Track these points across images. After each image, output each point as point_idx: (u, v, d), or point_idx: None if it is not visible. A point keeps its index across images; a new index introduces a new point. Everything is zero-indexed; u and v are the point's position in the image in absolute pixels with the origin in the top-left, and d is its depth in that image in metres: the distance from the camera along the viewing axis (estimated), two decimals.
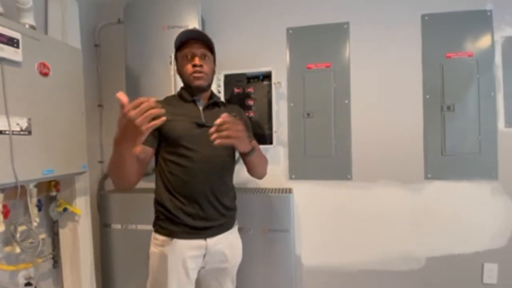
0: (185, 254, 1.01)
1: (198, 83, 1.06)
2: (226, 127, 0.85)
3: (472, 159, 1.62)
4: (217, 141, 0.83)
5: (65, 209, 1.48)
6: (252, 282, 1.56)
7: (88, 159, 1.51)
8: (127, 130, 0.73)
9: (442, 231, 1.65)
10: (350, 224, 1.73)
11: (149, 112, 0.71)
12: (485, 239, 1.61)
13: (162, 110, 0.73)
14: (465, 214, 1.63)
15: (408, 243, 1.68)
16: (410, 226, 1.68)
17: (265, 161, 1.20)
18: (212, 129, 0.84)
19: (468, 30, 1.62)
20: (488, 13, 1.60)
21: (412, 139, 1.68)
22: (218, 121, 0.84)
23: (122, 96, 0.71)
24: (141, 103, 0.70)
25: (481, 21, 1.61)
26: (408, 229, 1.68)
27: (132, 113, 0.70)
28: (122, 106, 0.72)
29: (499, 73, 1.60)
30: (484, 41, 1.61)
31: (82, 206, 1.55)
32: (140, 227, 1.61)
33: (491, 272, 1.61)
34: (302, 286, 1.77)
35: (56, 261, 1.52)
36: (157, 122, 0.72)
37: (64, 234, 1.52)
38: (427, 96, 1.66)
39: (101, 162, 1.92)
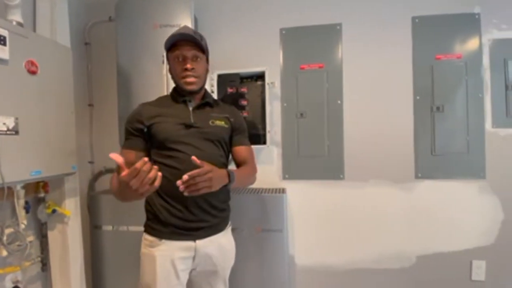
0: (174, 255, 1.00)
1: (190, 88, 1.04)
2: (194, 181, 0.85)
3: (460, 159, 1.66)
4: (186, 193, 0.86)
5: (54, 211, 1.45)
6: (245, 282, 1.56)
7: (78, 160, 1.48)
8: (130, 190, 0.78)
9: (432, 229, 1.68)
10: (343, 223, 1.75)
11: (147, 178, 0.77)
12: (474, 237, 1.65)
13: (156, 168, 0.79)
14: (454, 213, 1.67)
15: (399, 241, 1.71)
16: (401, 225, 1.71)
17: (248, 176, 1.13)
18: (179, 182, 0.84)
19: (457, 32, 1.65)
20: (476, 16, 1.64)
21: (403, 139, 1.71)
22: (184, 177, 0.84)
23: (116, 157, 0.77)
24: (138, 170, 0.76)
25: (469, 24, 1.64)
26: (399, 227, 1.71)
27: (133, 182, 0.76)
28: (119, 167, 0.78)
29: (486, 75, 1.64)
30: (472, 44, 1.65)
31: (71, 207, 1.52)
32: (132, 228, 1.58)
33: (479, 269, 1.64)
34: (295, 286, 1.78)
35: (44, 264, 1.49)
36: (156, 185, 0.79)
37: (53, 236, 1.49)
38: (418, 97, 1.69)
39: (91, 162, 1.88)
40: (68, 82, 1.43)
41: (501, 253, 1.62)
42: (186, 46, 1.02)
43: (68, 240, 1.49)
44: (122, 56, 1.61)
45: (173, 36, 1.02)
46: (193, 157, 0.87)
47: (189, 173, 0.84)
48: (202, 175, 0.85)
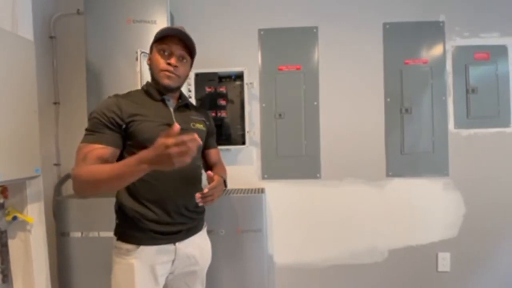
0: (153, 261, 0.95)
1: (167, 82, 0.99)
2: (211, 193, 0.93)
3: (426, 158, 1.77)
4: (201, 203, 0.93)
5: (14, 218, 1.33)
6: (224, 283, 1.54)
7: (42, 162, 1.38)
8: (162, 158, 0.72)
9: (402, 224, 1.78)
10: (319, 221, 1.79)
11: (190, 151, 0.71)
12: (439, 230, 1.77)
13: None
14: (421, 208, 1.78)
15: (373, 237, 1.79)
16: (374, 221, 1.79)
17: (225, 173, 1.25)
18: (198, 197, 0.91)
19: (423, 39, 1.77)
20: (441, 24, 1.76)
21: (375, 139, 1.79)
22: (205, 190, 0.92)
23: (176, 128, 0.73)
24: (184, 142, 0.70)
25: (434, 31, 1.76)
26: (372, 224, 1.79)
27: (174, 150, 0.70)
28: (167, 136, 0.71)
29: (449, 79, 1.77)
30: (437, 50, 1.77)
31: (34, 213, 1.40)
32: (103, 234, 1.50)
33: (444, 261, 1.77)
34: (274, 285, 1.79)
35: (5, 276, 1.37)
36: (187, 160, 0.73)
37: (14, 245, 1.37)
38: (388, 99, 1.78)
39: (57, 164, 1.76)
40: (30, 78, 1.33)
41: (464, 245, 1.76)
42: (177, 44, 0.99)
43: (32, 249, 1.37)
44: (92, 52, 1.53)
45: (167, 28, 0.99)
46: (209, 172, 0.94)
47: (209, 186, 0.92)
48: (218, 186, 0.94)
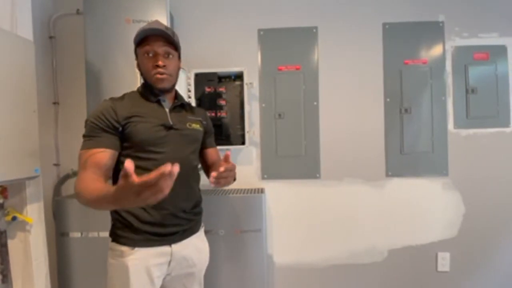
0: (149, 263, 0.95)
1: (161, 86, 0.99)
2: (226, 175, 0.88)
3: (426, 158, 1.77)
4: (213, 185, 0.87)
5: (14, 218, 1.33)
6: (224, 283, 1.54)
7: (41, 162, 1.37)
8: (135, 200, 0.65)
9: (402, 224, 1.78)
10: (319, 221, 1.79)
11: (164, 190, 0.63)
12: (438, 230, 1.78)
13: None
14: (420, 208, 1.78)
15: (372, 237, 1.79)
16: (374, 221, 1.79)
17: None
18: (213, 176, 0.85)
19: (423, 39, 1.77)
20: (440, 25, 1.76)
21: (375, 139, 1.79)
22: (221, 169, 0.85)
23: (129, 165, 0.61)
24: (153, 184, 0.62)
25: (434, 31, 1.76)
26: (372, 223, 1.79)
27: (146, 195, 0.62)
28: (127, 176, 0.61)
29: (449, 79, 1.77)
30: (437, 50, 1.77)
31: (34, 214, 1.40)
32: (103, 234, 1.49)
33: (444, 261, 1.77)
34: (273, 285, 1.79)
35: (5, 276, 1.36)
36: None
37: (14, 245, 1.37)
38: (388, 99, 1.78)
39: (56, 165, 1.76)
40: (30, 78, 1.32)
41: (464, 244, 1.76)
42: (157, 41, 0.96)
43: (31, 249, 1.37)
44: (91, 52, 1.53)
45: (143, 30, 0.96)
46: (227, 152, 0.90)
47: (224, 167, 0.86)
48: (232, 169, 0.90)
